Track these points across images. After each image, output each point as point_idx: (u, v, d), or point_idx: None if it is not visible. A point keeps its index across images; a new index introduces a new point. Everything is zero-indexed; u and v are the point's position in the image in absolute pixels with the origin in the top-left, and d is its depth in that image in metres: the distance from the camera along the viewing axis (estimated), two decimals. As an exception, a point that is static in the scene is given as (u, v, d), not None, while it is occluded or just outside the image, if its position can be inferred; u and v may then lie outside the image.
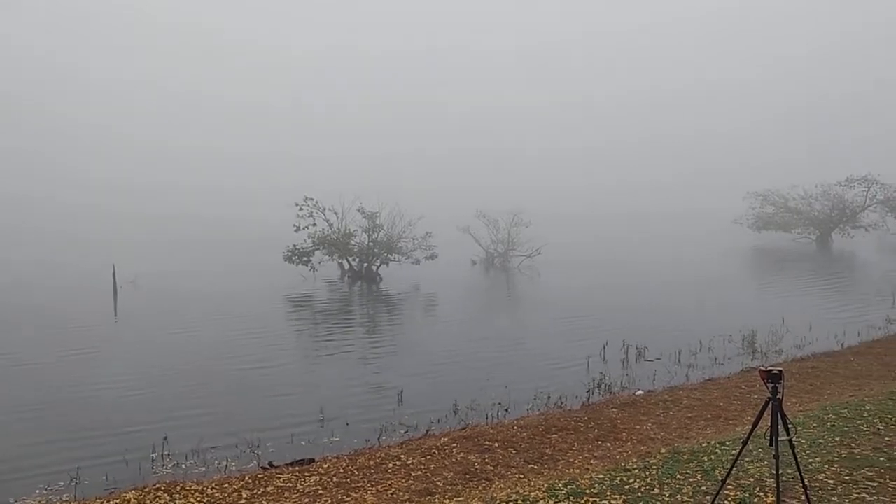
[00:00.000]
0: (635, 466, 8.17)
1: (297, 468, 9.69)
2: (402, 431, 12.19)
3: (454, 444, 10.27)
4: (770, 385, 6.18)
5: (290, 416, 13.23)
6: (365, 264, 35.06)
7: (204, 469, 10.67)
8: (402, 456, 9.85)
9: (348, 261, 35.23)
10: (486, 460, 9.56)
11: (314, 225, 34.50)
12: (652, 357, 17.21)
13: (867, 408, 10.38)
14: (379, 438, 11.77)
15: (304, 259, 33.63)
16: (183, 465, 10.85)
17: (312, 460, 10.16)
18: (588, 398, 13.71)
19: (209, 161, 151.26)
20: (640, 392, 13.76)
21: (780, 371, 6.23)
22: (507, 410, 13.16)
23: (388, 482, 8.83)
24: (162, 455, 11.19)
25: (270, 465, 10.27)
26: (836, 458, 8.10)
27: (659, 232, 58.83)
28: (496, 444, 10.21)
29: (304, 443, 11.78)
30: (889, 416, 9.83)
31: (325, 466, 9.66)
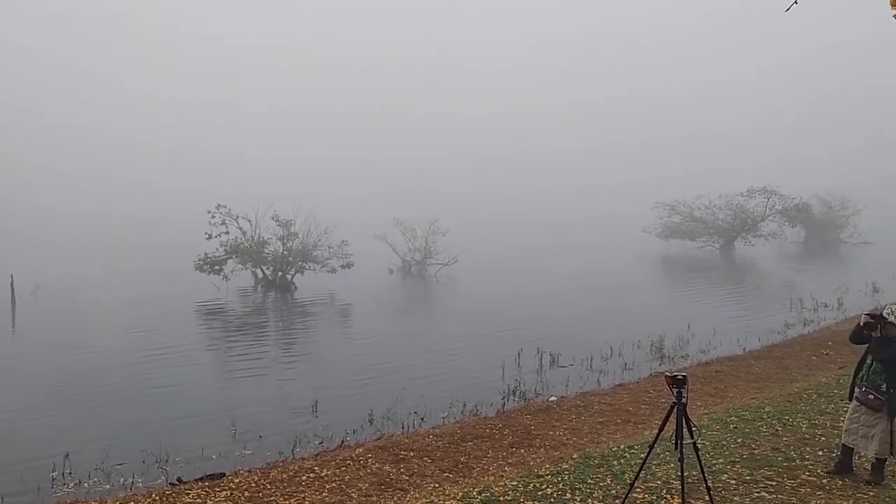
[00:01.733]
0: (548, 472, 8.29)
1: (206, 483, 9.42)
2: (317, 443, 12.02)
3: (369, 455, 10.19)
4: (675, 390, 6.39)
5: (201, 430, 12.87)
6: (279, 273, 34.51)
7: (108, 487, 10.26)
8: (316, 468, 9.71)
9: (262, 269, 34.61)
10: (402, 470, 9.53)
11: (227, 233, 33.75)
12: (565, 363, 17.52)
13: (767, 410, 10.84)
14: (293, 451, 11.58)
15: (216, 268, 32.84)
16: (86, 484, 10.41)
17: (223, 475, 9.90)
18: (503, 405, 13.84)
19: (142, 156, 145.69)
20: (553, 398, 13.98)
21: (685, 376, 6.45)
22: (422, 419, 13.15)
23: (302, 495, 8.69)
24: (63, 474, 10.70)
25: (179, 480, 9.96)
26: (737, 459, 8.41)
27: (574, 239, 60.09)
28: (411, 454, 10.19)
29: (214, 457, 11.47)
30: (787, 418, 10.29)
31: (237, 481, 9.43)
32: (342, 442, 11.80)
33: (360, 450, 10.58)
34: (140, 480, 10.44)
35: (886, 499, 7.19)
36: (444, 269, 38.44)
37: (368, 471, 9.54)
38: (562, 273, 38.32)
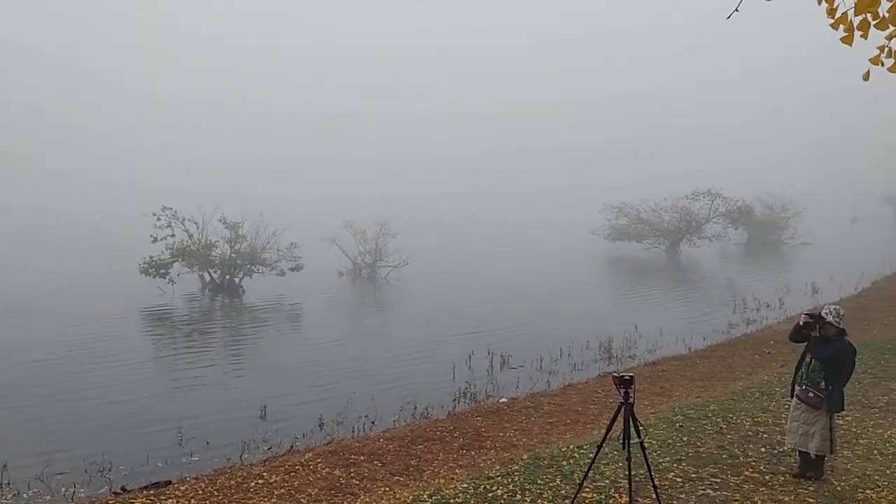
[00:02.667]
0: (498, 474, 8.32)
1: (151, 492, 9.22)
2: (266, 448, 11.88)
3: (319, 460, 10.10)
4: (622, 390, 6.48)
5: (146, 437, 12.59)
6: (227, 276, 33.97)
7: (49, 498, 9.99)
8: (265, 474, 9.59)
9: (209, 273, 34.02)
10: (352, 474, 9.47)
11: (173, 236, 33.09)
12: (515, 365, 17.63)
13: (711, 408, 11.07)
14: (241, 457, 11.41)
15: (162, 271, 32.18)
16: (24, 496, 10.10)
17: (169, 482, 9.71)
18: (454, 407, 13.87)
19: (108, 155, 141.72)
20: (503, 399, 14.06)
21: (632, 377, 6.54)
22: (373, 423, 13.09)
23: (250, 502, 8.58)
24: (0, 485, 10.36)
25: (123, 489, 9.73)
26: (683, 457, 8.57)
27: (527, 242, 60.49)
28: (362, 458, 10.13)
29: (160, 464, 11.25)
30: (731, 416, 10.51)
31: (183, 488, 9.26)
32: (291, 447, 11.68)
33: (310, 455, 10.48)
34: (82, 490, 10.18)
35: (826, 493, 7.40)
36: (394, 272, 38.33)
37: (318, 476, 9.45)
38: (513, 275, 38.55)
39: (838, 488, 7.52)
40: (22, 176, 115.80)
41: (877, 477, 7.85)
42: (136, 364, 18.82)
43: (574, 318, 24.56)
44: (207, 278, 34.12)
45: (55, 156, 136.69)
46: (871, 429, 9.70)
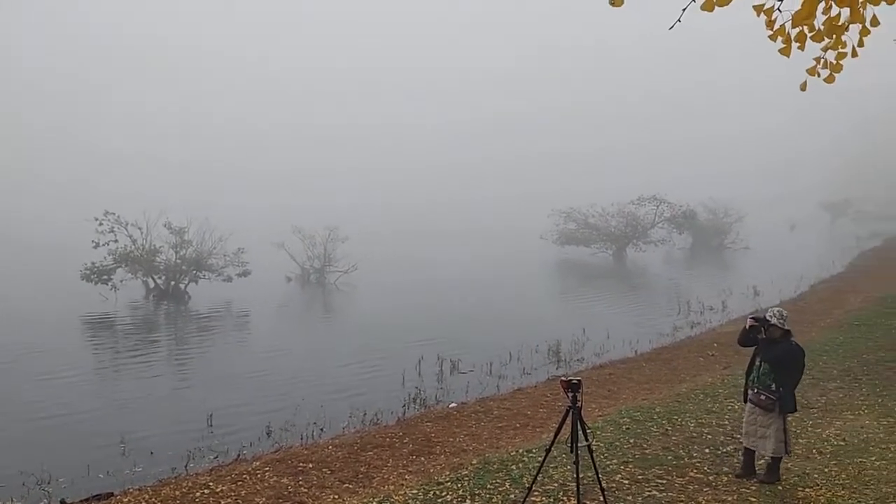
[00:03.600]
0: (448, 479, 8.33)
1: (93, 504, 8.99)
2: (212, 458, 11.66)
3: (267, 468, 9.96)
4: (570, 394, 6.54)
5: (88, 448, 12.25)
6: (172, 282, 33.35)
7: (-17, 513, 9.64)
8: (211, 484, 9.41)
9: (153, 279, 33.35)
10: (300, 482, 9.36)
11: (116, 241, 32.34)
12: (465, 369, 17.65)
13: (657, 410, 11.25)
14: (186, 466, 11.18)
15: (105, 278, 31.40)
16: (-43, 511, 9.74)
17: (111, 494, 9.47)
18: (404, 413, 13.82)
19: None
20: (453, 404, 14.06)
21: (579, 381, 6.61)
22: (322, 430, 12.96)
23: (196, 513, 8.41)
24: (-69, 502, 9.98)
25: (62, 502, 9.46)
26: (630, 459, 8.68)
27: (477, 247, 60.73)
28: (310, 466, 10.02)
29: (101, 476, 10.95)
30: (676, 418, 10.70)
31: (126, 501, 9.04)
32: (238, 456, 11.49)
33: (258, 463, 10.33)
34: (19, 504, 9.85)
35: (767, 493, 7.58)
36: (344, 277, 38.11)
37: (266, 484, 9.32)
38: (463, 280, 38.67)
39: (779, 487, 7.71)
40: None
41: (815, 475, 8.07)
42: (77, 373, 18.30)
43: (523, 322, 24.73)
44: (152, 284, 33.46)
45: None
46: (810, 429, 9.98)
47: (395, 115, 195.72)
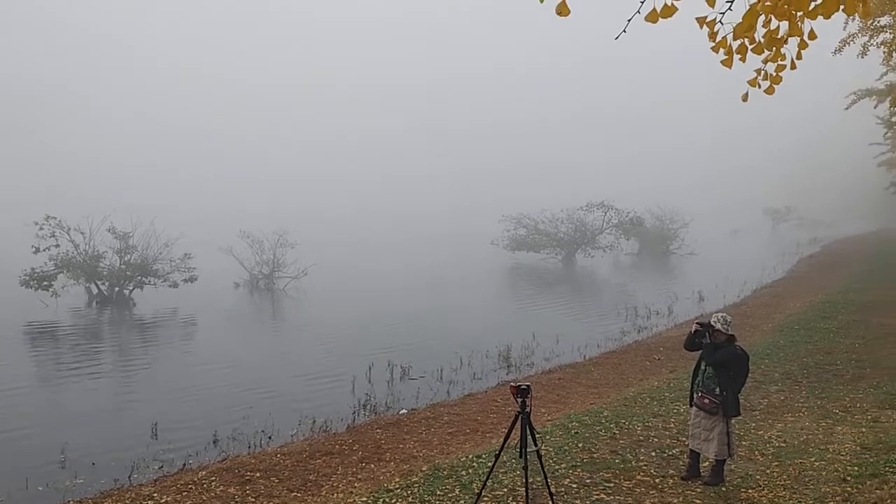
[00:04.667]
0: (398, 486, 8.29)
1: (30, 519, 8.70)
2: (157, 468, 11.40)
3: (213, 478, 9.79)
4: (519, 400, 6.57)
5: (25, 459, 11.86)
6: (116, 288, 32.60)
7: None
8: (156, 494, 9.22)
9: (97, 285, 32.54)
10: (248, 492, 9.22)
11: (57, 246, 31.46)
12: (416, 375, 17.62)
13: (605, 414, 11.38)
14: (130, 478, 10.92)
15: (45, 284, 30.51)
16: None
17: (50, 508, 9.19)
18: (353, 420, 13.73)
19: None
20: (403, 411, 14.03)
21: (528, 386, 6.65)
22: (270, 438, 12.80)
23: (139, 525, 8.21)
24: None
25: (-2, 517, 9.15)
26: (578, 464, 8.76)
27: (430, 252, 60.78)
28: (258, 474, 9.88)
29: (40, 488, 10.62)
30: (623, 421, 10.83)
31: (65, 514, 8.78)
32: (184, 466, 11.28)
33: (204, 473, 10.14)
34: (-48, 520, 9.50)
35: (711, 494, 7.72)
36: (293, 283, 37.74)
37: (212, 494, 9.16)
38: (414, 286, 38.63)
39: (723, 489, 7.87)
40: None
41: (758, 477, 8.26)
42: (15, 382, 17.73)
43: (474, 327, 24.79)
44: (95, 291, 32.65)
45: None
46: (752, 431, 10.21)
47: (350, 125, 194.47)
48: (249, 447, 12.27)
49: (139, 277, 32.74)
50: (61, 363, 20.84)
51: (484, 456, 9.25)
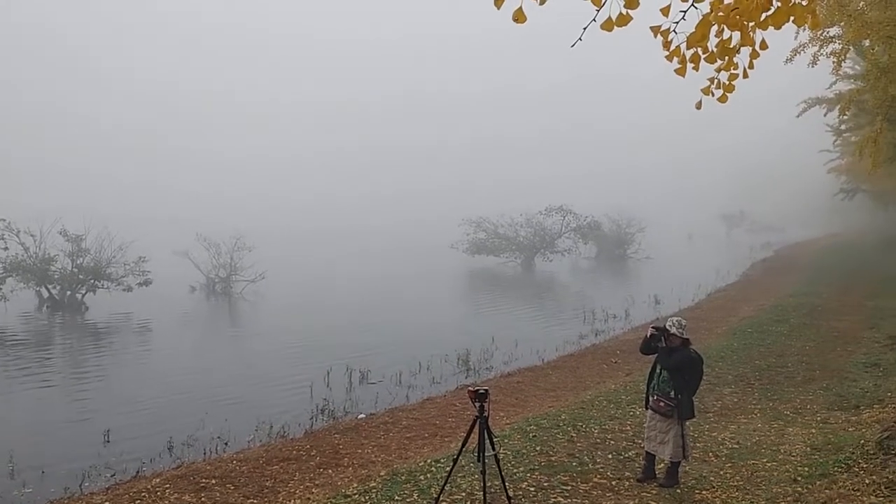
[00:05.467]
0: (355, 491, 8.25)
1: (-24, 530, 8.46)
2: (109, 475, 11.17)
3: (167, 485, 9.62)
4: (477, 404, 6.59)
5: (-30, 470, 11.54)
6: (68, 292, 31.89)
7: None
8: (107, 503, 9.03)
9: (47, 289, 31.79)
10: (203, 499, 9.08)
11: (6, 249, 30.67)
12: (374, 380, 17.54)
13: (563, 417, 11.46)
14: (81, 486, 10.68)
15: (-7, 288, 29.72)
16: None
17: (-3, 519, 8.94)
18: (311, 425, 13.61)
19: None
20: (362, 416, 13.95)
21: (486, 390, 6.67)
22: (226, 444, 12.62)
23: (90, 535, 8.03)
24: None
25: (-58, 529, 8.87)
26: (536, 467, 8.81)
27: (386, 254, 60.65)
28: (213, 482, 9.74)
29: (-14, 498, 10.34)
30: (580, 424, 10.92)
31: (13, 524, 8.55)
32: (137, 473, 11.07)
33: (157, 480, 9.96)
34: None
35: (666, 496, 7.83)
36: (251, 287, 37.32)
37: (166, 502, 9.00)
38: (373, 290, 38.51)
39: (678, 490, 7.98)
40: None
41: (712, 478, 8.39)
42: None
43: (434, 331, 24.79)
44: (46, 294, 31.90)
45: None
46: (706, 433, 10.37)
47: (312, 141, 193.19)
48: (205, 454, 12.09)
49: (92, 281, 32.09)
50: (9, 370, 20.29)
51: (442, 460, 9.24)
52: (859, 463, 8.41)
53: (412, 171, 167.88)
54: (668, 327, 8.11)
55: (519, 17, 2.99)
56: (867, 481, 7.76)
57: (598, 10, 3.02)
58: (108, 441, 12.90)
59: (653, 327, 8.32)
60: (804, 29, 16.16)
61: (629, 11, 3.03)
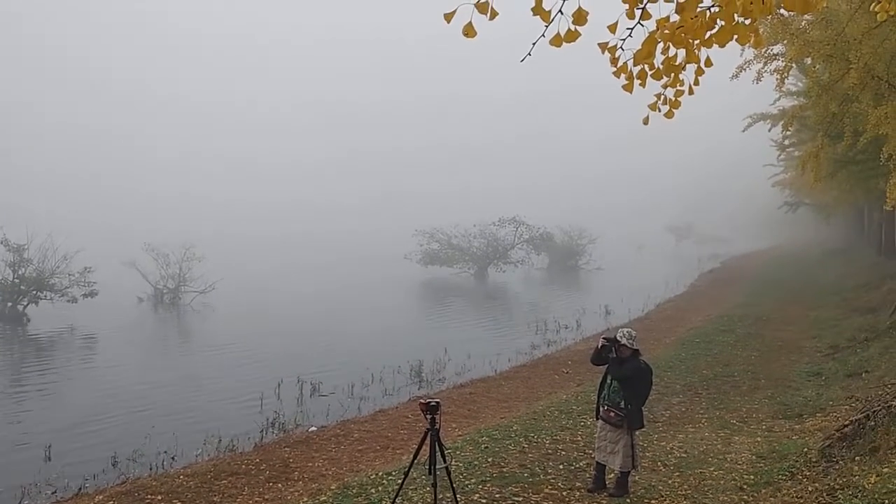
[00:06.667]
0: (305, 506, 8.14)
1: None
2: (50, 492, 10.84)
3: (111, 502, 9.38)
4: (428, 416, 6.57)
5: None
6: (9, 304, 30.96)
7: None
8: (48, 522, 8.75)
9: (-14, 300, 30.86)
10: (148, 516, 8.87)
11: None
12: (326, 392, 17.37)
13: (514, 428, 11.49)
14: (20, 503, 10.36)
15: (-71, 299, 28.74)
16: None
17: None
18: (261, 439, 13.41)
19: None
20: (313, 428, 13.79)
21: (438, 402, 6.66)
22: (173, 459, 12.36)
23: (28, 555, 7.78)
24: None
25: None
26: (488, 478, 8.80)
27: (337, 263, 60.29)
28: (159, 497, 9.51)
29: (-82, 519, 9.95)
30: (532, 435, 10.96)
31: (-53, 545, 8.23)
32: (80, 490, 10.77)
33: (101, 497, 9.70)
34: None
35: (616, 505, 7.89)
36: (200, 298, 36.72)
37: (109, 520, 8.77)
38: (325, 301, 38.22)
39: (627, 500, 8.05)
40: None
41: (661, 488, 8.49)
42: None
43: (387, 342, 24.69)
44: (-16, 306, 30.96)
45: None
46: (655, 442, 10.50)
47: (268, 147, 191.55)
48: (151, 469, 11.82)
49: (34, 292, 31.22)
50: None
51: (394, 473, 9.18)
52: (802, 471, 8.60)
53: (371, 180, 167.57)
54: (618, 338, 8.20)
55: (468, 31, 3.00)
56: (810, 488, 7.93)
57: (546, 26, 3.04)
58: (50, 458, 12.52)
59: (604, 338, 8.40)
60: (748, 46, 16.59)
61: (577, 28, 3.06)
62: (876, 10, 3.41)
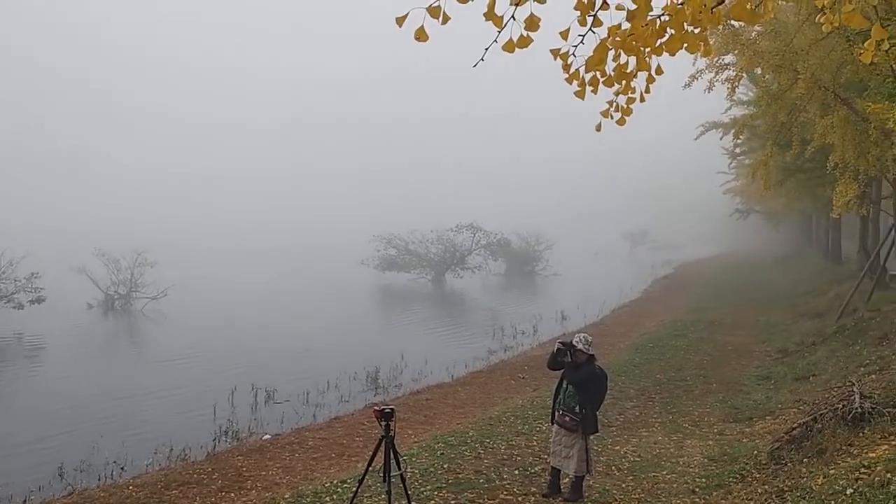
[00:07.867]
0: (258, 516, 8.01)
1: None
2: (-8, 506, 10.52)
3: (56, 515, 9.12)
4: (383, 423, 6.52)
5: None
6: (-49, 310, 30.06)
7: None
8: (-11, 536, 8.48)
9: (-72, 307, 29.88)
10: (95, 528, 8.64)
11: None
12: (281, 399, 17.16)
13: (470, 434, 11.48)
14: (-41, 518, 10.02)
15: None
16: None
17: None
18: (214, 447, 13.18)
19: None
20: (267, 436, 13.62)
21: (392, 409, 6.62)
22: (122, 469, 12.09)
23: (-32, 571, 7.52)
24: None
25: None
26: (444, 485, 8.78)
27: (294, 269, 59.71)
28: (107, 509, 9.29)
29: None
30: (488, 441, 10.97)
31: None
32: (24, 502, 10.45)
33: (46, 510, 9.44)
34: None
35: (571, 510, 7.93)
36: (152, 304, 36.02)
37: (54, 533, 8.52)
38: (280, 306, 37.81)
39: (581, 505, 8.09)
40: None
41: (615, 491, 8.56)
42: None
43: (343, 348, 24.49)
44: (-75, 313, 29.98)
45: None
46: (609, 446, 10.59)
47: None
48: (99, 480, 11.54)
49: (-23, 298, 30.35)
50: None
51: (349, 481, 9.10)
52: (752, 473, 8.74)
53: (329, 194, 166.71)
54: (574, 343, 8.25)
55: (420, 35, 2.98)
56: (760, 490, 8.06)
57: (499, 32, 3.04)
58: (-7, 469, 12.15)
59: (560, 343, 8.44)
60: (699, 56, 16.89)
61: (529, 34, 3.07)
62: (821, 21, 3.47)
